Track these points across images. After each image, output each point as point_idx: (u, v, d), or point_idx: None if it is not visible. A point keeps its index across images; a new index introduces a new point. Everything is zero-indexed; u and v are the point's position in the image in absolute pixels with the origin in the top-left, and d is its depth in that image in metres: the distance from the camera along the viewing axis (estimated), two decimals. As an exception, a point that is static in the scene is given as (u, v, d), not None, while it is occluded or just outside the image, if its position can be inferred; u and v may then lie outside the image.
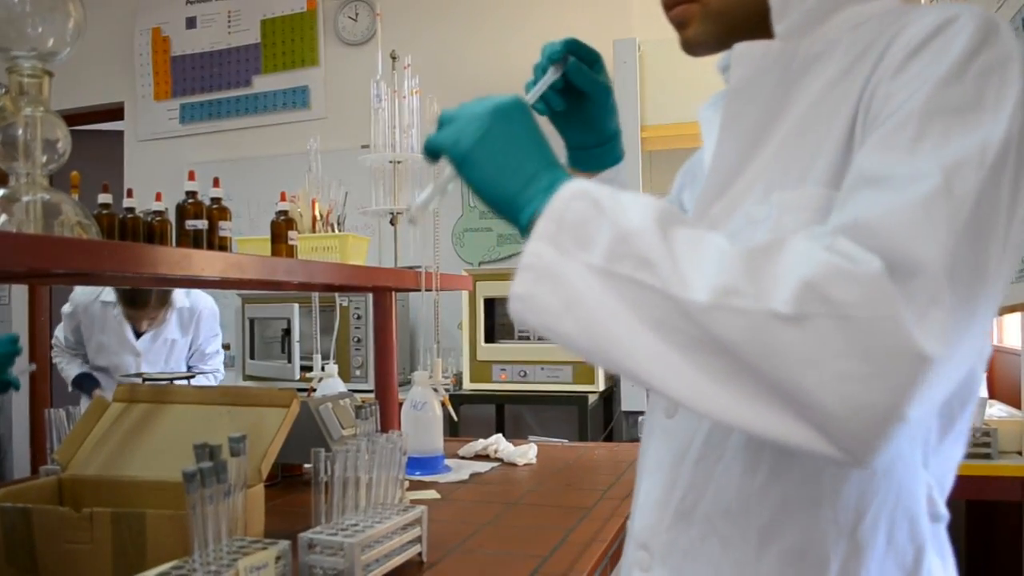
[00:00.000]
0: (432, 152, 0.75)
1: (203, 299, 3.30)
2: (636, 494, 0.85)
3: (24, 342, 4.91)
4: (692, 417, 0.78)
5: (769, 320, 0.54)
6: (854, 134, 0.67)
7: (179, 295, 3.18)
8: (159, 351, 3.17)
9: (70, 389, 3.17)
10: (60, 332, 3.25)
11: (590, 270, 0.60)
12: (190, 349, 3.30)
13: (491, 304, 3.34)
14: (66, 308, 3.22)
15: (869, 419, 0.53)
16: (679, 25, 0.83)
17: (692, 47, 0.83)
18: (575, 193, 0.64)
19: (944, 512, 0.73)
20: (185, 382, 2.97)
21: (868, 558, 0.69)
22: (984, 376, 0.64)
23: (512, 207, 0.69)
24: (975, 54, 0.62)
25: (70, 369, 3.18)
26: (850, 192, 0.61)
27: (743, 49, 0.78)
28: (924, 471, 0.72)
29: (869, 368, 0.52)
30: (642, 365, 0.58)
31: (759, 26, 0.78)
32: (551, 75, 0.89)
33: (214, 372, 3.35)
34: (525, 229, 0.67)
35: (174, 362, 3.21)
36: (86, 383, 3.13)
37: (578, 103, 0.93)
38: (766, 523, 0.71)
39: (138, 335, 3.15)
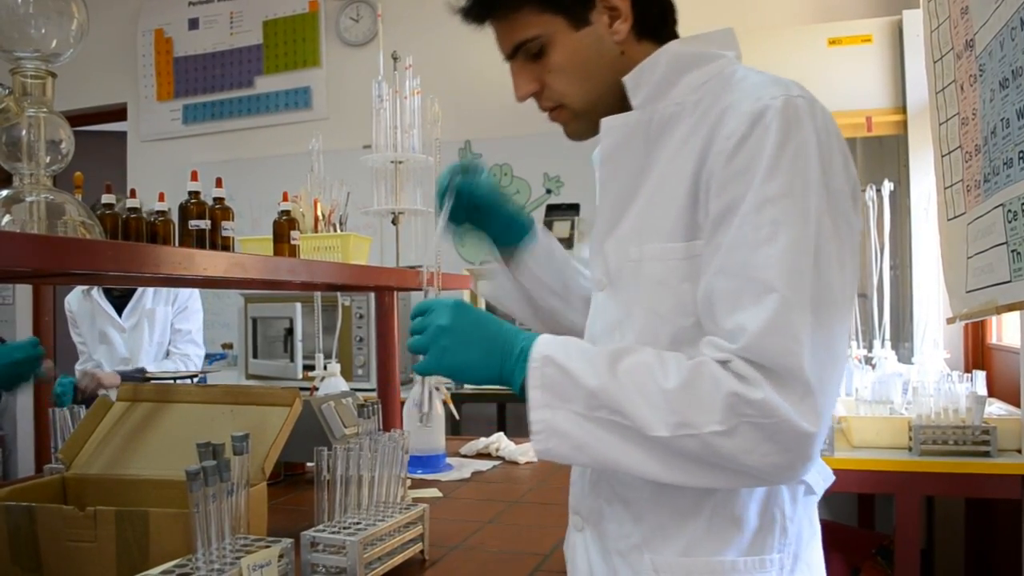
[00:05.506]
0: (424, 374, 0.97)
1: None
2: (571, 474, 1.07)
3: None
4: None
5: (712, 437, 0.80)
6: (698, 199, 0.88)
7: None
8: (141, 325, 3.18)
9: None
10: (79, 364, 3.28)
11: (578, 416, 0.85)
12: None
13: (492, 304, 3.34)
14: (67, 310, 3.26)
15: (789, 473, 0.82)
16: (561, 125, 1.03)
17: (575, 139, 1.04)
18: (543, 361, 0.87)
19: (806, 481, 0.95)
20: (189, 381, 2.97)
21: (737, 505, 0.91)
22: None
23: (503, 384, 0.92)
24: (782, 148, 0.83)
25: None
26: (724, 288, 0.84)
27: (608, 123, 0.97)
28: None
29: (777, 447, 0.80)
30: (637, 470, 0.85)
31: (622, 103, 0.97)
32: (447, 205, 1.10)
33: (183, 356, 3.25)
34: (520, 392, 0.88)
35: (158, 336, 3.21)
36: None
37: (478, 207, 1.14)
38: (660, 486, 0.91)
39: (119, 312, 3.17)
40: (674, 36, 1.00)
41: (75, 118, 4.09)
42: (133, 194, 1.51)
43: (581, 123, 1.01)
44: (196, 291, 3.32)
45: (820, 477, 0.97)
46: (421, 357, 0.94)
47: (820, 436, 0.80)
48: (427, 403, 1.15)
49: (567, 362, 0.86)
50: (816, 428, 0.79)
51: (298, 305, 3.43)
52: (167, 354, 3.23)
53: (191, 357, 3.25)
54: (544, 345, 0.88)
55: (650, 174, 0.94)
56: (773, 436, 0.79)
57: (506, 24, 0.99)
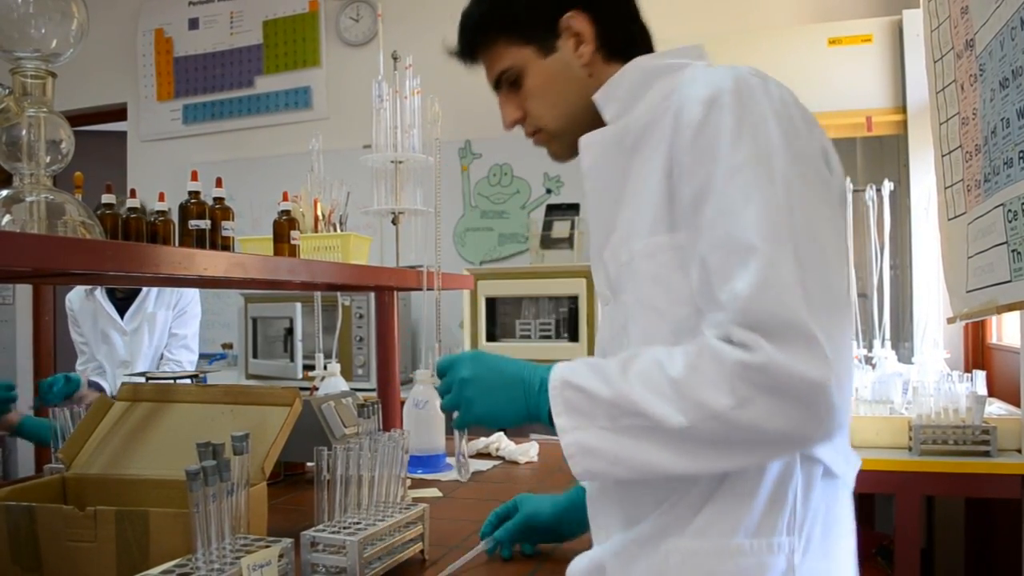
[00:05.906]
0: (460, 428, 1.02)
1: None
2: (588, 493, 1.10)
3: (28, 341, 4.92)
4: None
5: (729, 413, 0.80)
6: (672, 190, 0.91)
7: None
8: (141, 329, 3.18)
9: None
10: (79, 363, 3.28)
11: (604, 431, 0.86)
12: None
13: (492, 303, 3.34)
14: (67, 308, 3.26)
15: (816, 427, 0.80)
16: (544, 147, 1.10)
17: (558, 160, 1.11)
18: (562, 385, 0.89)
19: (816, 456, 0.93)
20: (189, 381, 2.97)
21: (748, 485, 0.91)
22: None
23: (532, 419, 0.94)
24: (740, 122, 0.86)
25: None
26: (713, 264, 0.85)
27: (586, 140, 1.03)
28: None
29: (793, 404, 0.79)
30: (675, 470, 0.86)
31: (599, 122, 1.03)
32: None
33: (175, 363, 3.24)
34: (550, 422, 0.90)
35: (156, 339, 3.21)
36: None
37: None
38: None
39: (122, 314, 3.18)
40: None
41: (75, 118, 4.09)
42: (133, 194, 1.51)
43: (560, 144, 1.08)
44: (196, 295, 3.32)
45: (840, 458, 0.95)
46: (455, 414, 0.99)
47: (837, 383, 0.78)
48: (465, 456, 1.20)
49: (583, 380, 0.88)
50: (827, 374, 0.78)
51: (298, 305, 3.43)
52: (161, 358, 3.23)
53: (183, 364, 3.25)
54: (560, 371, 0.91)
55: (630, 185, 0.99)
56: (786, 394, 0.78)
57: (487, 59, 1.09)
